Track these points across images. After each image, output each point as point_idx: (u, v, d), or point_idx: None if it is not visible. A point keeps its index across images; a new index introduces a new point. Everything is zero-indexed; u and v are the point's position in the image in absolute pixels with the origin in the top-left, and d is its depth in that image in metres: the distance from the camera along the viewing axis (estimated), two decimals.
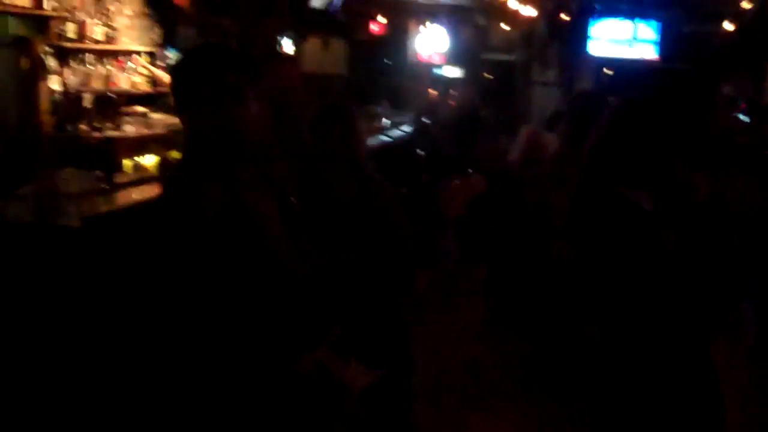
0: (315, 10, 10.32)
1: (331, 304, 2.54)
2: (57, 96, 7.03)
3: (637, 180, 2.81)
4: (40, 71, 6.93)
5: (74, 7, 7.23)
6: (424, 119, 8.95)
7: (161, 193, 2.32)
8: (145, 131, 7.40)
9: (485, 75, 12.44)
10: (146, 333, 2.34)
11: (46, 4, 6.77)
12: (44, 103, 6.90)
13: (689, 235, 2.86)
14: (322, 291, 2.48)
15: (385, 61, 13.41)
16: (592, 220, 2.87)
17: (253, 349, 2.13)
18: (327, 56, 11.84)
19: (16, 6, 6.49)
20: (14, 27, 7.12)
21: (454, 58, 12.77)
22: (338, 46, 12.22)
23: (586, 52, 12.33)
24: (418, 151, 7.92)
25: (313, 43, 11.73)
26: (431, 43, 12.75)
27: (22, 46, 6.93)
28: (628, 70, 12.12)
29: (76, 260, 3.75)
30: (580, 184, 3.04)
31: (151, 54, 8.26)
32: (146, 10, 8.27)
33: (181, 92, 2.25)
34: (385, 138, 8.25)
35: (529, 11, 11.25)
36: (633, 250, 2.74)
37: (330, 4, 10.32)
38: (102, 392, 3.41)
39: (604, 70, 12.69)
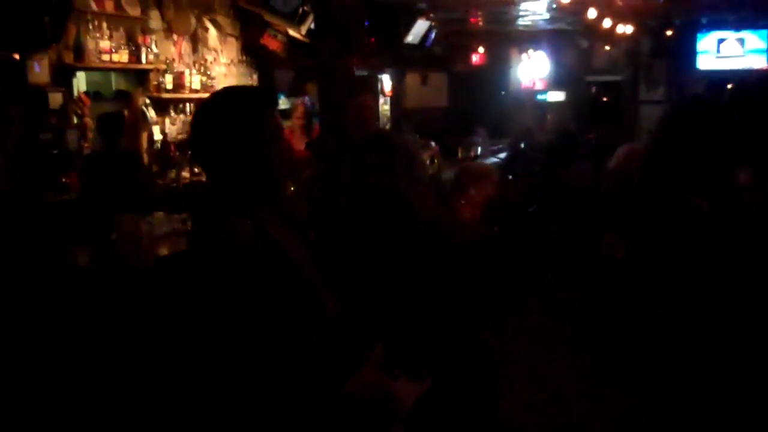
0: (412, 46, 10.44)
1: (369, 324, 2.55)
2: (157, 145, 7.41)
3: (691, 183, 2.79)
4: (141, 122, 7.34)
5: (172, 60, 7.62)
6: (520, 145, 8.91)
7: (192, 230, 2.39)
8: None
9: (592, 91, 12.20)
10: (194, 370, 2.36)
11: (143, 59, 7.17)
12: (145, 152, 7.31)
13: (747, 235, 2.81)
14: (357, 316, 2.50)
15: (501, 91, 13.41)
16: (647, 217, 2.87)
17: (297, 379, 2.15)
18: (427, 90, 11.97)
19: (116, 62, 6.90)
20: (117, 82, 7.59)
21: (556, 83, 12.65)
22: (439, 79, 12.34)
23: (695, 67, 11.97)
24: (510, 177, 7.87)
25: (413, 79, 11.88)
26: (533, 69, 12.68)
27: (124, 99, 7.38)
28: (740, 82, 11.67)
29: (146, 299, 3.94)
30: (638, 184, 3.03)
31: None
32: (242, 57, 8.63)
33: (217, 133, 2.22)
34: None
35: (631, 30, 11.03)
36: (690, 245, 2.73)
37: (425, 38, 10.44)
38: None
39: (725, 84, 12.24)
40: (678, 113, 2.93)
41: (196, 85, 7.80)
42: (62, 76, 6.52)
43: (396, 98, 11.57)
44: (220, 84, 8.17)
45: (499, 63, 12.88)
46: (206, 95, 7.64)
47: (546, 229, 6.84)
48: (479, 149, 9.42)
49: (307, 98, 9.09)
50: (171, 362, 3.69)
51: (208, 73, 8.00)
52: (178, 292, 3.33)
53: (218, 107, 2.25)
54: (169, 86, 7.51)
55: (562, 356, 5.58)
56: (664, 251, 2.82)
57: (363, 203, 3.28)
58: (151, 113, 7.41)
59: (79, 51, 6.54)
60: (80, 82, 6.98)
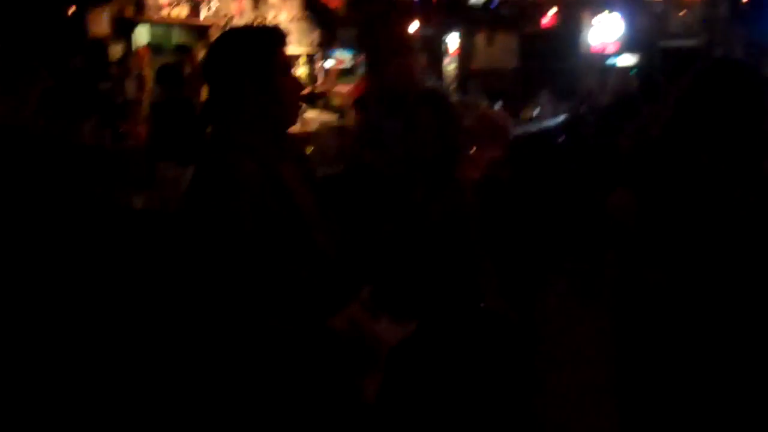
0: (477, 6, 10.39)
1: (362, 264, 2.62)
2: None
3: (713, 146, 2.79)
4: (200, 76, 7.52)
5: (232, 16, 7.78)
6: (580, 107, 8.80)
7: (198, 167, 2.41)
8: (297, 128, 7.79)
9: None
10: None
11: (202, 15, 7.35)
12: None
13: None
14: (352, 253, 2.57)
15: (572, 54, 13.18)
16: (659, 175, 2.88)
17: (287, 309, 2.25)
18: (496, 51, 11.88)
19: (174, 17, 7.10)
20: (177, 37, 7.80)
21: (629, 47, 12.36)
22: (508, 40, 12.21)
23: None
24: (559, 140, 7.81)
25: (482, 40, 11.82)
26: (605, 32, 12.43)
27: (185, 53, 7.57)
28: None
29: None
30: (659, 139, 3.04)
31: (310, 56, 8.72)
32: (305, 14, 8.74)
33: (229, 68, 2.33)
34: (532, 128, 8.20)
35: None
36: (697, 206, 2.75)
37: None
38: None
39: None
40: (710, 75, 2.89)
41: None
42: (123, 29, 6.76)
43: (462, 58, 11.53)
44: None
45: (570, 25, 12.66)
46: None
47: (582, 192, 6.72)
48: (536, 111, 9.34)
49: None
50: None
51: None
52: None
53: (232, 42, 2.38)
54: None
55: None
56: (670, 209, 2.84)
57: (408, 159, 3.33)
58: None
59: (140, 5, 6.77)
60: (141, 35, 7.21)
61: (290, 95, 2.41)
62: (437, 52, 11.02)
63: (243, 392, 2.25)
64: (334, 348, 2.27)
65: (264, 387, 2.25)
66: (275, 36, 2.40)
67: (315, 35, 8.72)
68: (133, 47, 6.94)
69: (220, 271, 2.19)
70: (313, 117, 8.03)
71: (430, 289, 2.97)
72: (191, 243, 2.29)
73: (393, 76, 4.80)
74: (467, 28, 11.33)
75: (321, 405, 2.28)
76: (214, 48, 2.43)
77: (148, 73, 6.91)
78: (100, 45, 6.54)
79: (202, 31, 7.60)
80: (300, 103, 2.78)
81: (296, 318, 2.24)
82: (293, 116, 2.48)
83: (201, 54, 7.53)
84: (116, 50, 6.66)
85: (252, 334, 2.21)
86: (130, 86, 6.70)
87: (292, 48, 8.44)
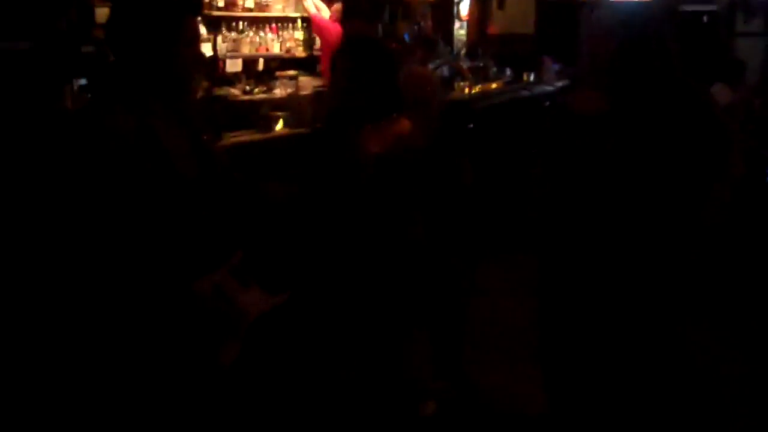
0: None
1: (234, 229, 2.60)
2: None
3: None
4: None
5: None
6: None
7: (72, 121, 2.47)
8: (290, 92, 7.73)
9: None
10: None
11: None
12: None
13: None
14: (225, 217, 2.56)
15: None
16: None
17: (150, 269, 2.24)
18: (511, 17, 11.69)
19: None
20: None
21: None
22: (525, 5, 11.98)
23: None
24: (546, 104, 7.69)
25: (494, 4, 11.64)
26: None
27: None
28: None
29: None
30: None
31: (308, 20, 8.61)
32: None
33: (130, 31, 2.34)
34: (524, 93, 8.10)
35: None
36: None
37: None
38: None
39: None
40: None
41: (250, 4, 7.89)
42: None
43: (471, 23, 11.34)
44: (277, 4, 8.23)
45: None
46: (261, 14, 7.81)
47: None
48: (532, 76, 9.24)
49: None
50: None
51: None
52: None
53: (139, 5, 2.35)
54: (221, 4, 7.63)
55: None
56: None
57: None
58: (202, 30, 7.56)
59: None
60: None
61: (187, 67, 2.41)
62: (448, 16, 10.86)
63: (97, 345, 2.26)
64: (194, 311, 2.25)
65: (118, 339, 2.25)
66: (184, 5, 2.38)
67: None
68: None
69: (81, 219, 2.19)
70: (308, 81, 7.97)
71: (308, 262, 2.95)
72: (57, 195, 2.29)
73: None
74: None
75: (174, 365, 2.27)
76: (119, 7, 2.43)
77: None
78: (87, 7, 6.52)
79: None
80: (197, 75, 2.77)
81: (157, 278, 2.23)
82: (187, 87, 2.50)
83: None
84: (102, 12, 6.61)
85: (111, 290, 2.21)
86: None
87: (289, 11, 8.37)
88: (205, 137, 2.80)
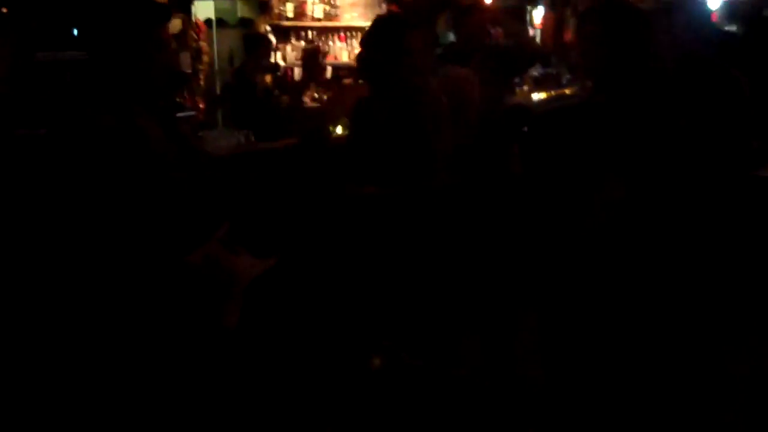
0: None
1: (219, 202, 2.74)
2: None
3: None
4: None
5: None
6: None
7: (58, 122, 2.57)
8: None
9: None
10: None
11: None
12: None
13: None
14: (209, 191, 2.70)
15: None
16: None
17: (143, 245, 2.40)
18: None
19: None
20: (242, 10, 8.05)
21: (729, 17, 11.79)
22: None
23: None
24: None
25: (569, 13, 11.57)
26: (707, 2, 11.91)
27: (247, 26, 7.82)
28: None
29: None
30: None
31: None
32: None
33: (104, 35, 2.45)
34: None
35: None
36: None
37: None
38: None
39: None
40: None
41: (319, 14, 8.11)
42: (182, 3, 7.04)
43: (547, 31, 11.31)
44: (345, 13, 8.42)
45: None
46: (330, 24, 8.01)
47: None
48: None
49: None
50: None
51: (332, 2, 8.25)
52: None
53: (113, 11, 2.45)
54: (290, 14, 7.87)
55: None
56: None
57: None
58: (272, 39, 7.81)
59: None
60: (201, 8, 7.49)
61: (159, 71, 2.53)
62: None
63: (102, 324, 2.40)
64: (190, 282, 2.39)
65: (123, 319, 2.39)
66: (156, 12, 2.53)
67: (382, 8, 8.76)
68: (193, 20, 7.22)
69: (74, 211, 2.35)
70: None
71: (290, 226, 3.05)
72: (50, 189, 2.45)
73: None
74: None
75: (179, 331, 2.41)
76: (94, 12, 2.53)
77: (203, 46, 7.19)
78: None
79: (263, 4, 7.81)
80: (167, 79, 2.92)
81: (150, 255, 2.37)
82: (159, 90, 2.62)
83: (262, 27, 7.77)
84: (175, 24, 6.93)
85: (108, 270, 2.36)
86: (185, 58, 6.98)
87: (358, 21, 8.54)
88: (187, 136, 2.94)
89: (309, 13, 8.02)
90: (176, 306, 2.40)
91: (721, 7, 11.99)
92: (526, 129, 6.19)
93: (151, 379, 2.43)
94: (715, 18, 11.96)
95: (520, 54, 4.96)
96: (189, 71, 7.02)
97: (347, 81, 8.12)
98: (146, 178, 2.42)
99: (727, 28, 11.88)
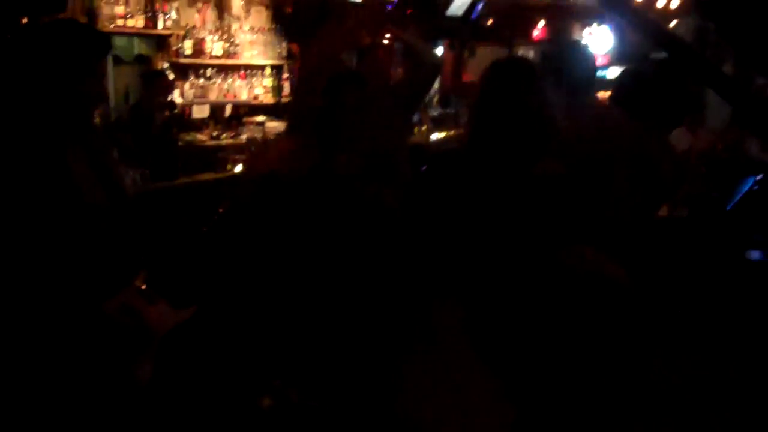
0: (455, 18, 10.41)
1: (137, 249, 2.68)
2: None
3: None
4: None
5: (193, 26, 7.89)
6: None
7: None
8: (254, 137, 7.85)
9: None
10: None
11: (160, 24, 7.47)
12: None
13: None
14: (128, 236, 2.64)
15: None
16: None
17: (58, 291, 2.31)
18: (481, 64, 11.84)
19: (131, 27, 7.23)
20: (138, 47, 7.93)
21: (619, 59, 12.28)
22: (496, 53, 12.16)
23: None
24: None
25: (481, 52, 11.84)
26: (595, 45, 12.37)
27: (144, 63, 7.71)
28: None
29: None
30: None
31: (278, 68, 8.79)
32: (271, 26, 8.81)
33: (41, 62, 2.42)
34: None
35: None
36: None
37: (470, 11, 10.37)
38: None
39: None
40: None
41: (218, 52, 8.05)
42: None
43: (446, 71, 11.53)
44: (245, 51, 8.40)
45: (562, 37, 12.61)
46: (230, 62, 7.97)
47: None
48: None
49: None
50: None
51: (232, 40, 8.22)
52: None
53: (56, 42, 2.43)
54: (188, 52, 7.79)
55: None
56: None
57: None
58: (170, 77, 7.72)
59: (92, 15, 6.89)
60: None
61: (92, 101, 2.53)
62: None
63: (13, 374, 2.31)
64: (106, 331, 2.32)
65: (32, 367, 2.30)
66: (99, 44, 2.50)
67: (282, 47, 8.79)
68: None
69: None
70: (275, 126, 8.10)
71: (209, 276, 3.02)
72: None
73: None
74: (450, 40, 11.32)
75: (91, 386, 2.33)
76: (31, 38, 2.53)
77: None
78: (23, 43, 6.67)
79: (161, 40, 7.71)
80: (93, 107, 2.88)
81: (66, 300, 2.29)
82: (85, 119, 2.60)
83: (159, 64, 7.67)
84: None
85: (18, 316, 2.27)
86: None
87: (258, 59, 8.54)
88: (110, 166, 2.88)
89: (208, 50, 7.96)
90: (89, 353, 2.32)
91: (612, 50, 12.51)
92: (423, 168, 6.29)
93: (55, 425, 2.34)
94: (607, 60, 12.48)
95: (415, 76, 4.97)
96: None
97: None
98: (66, 216, 2.35)
99: (617, 68, 12.41)
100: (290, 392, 2.83)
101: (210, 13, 8.14)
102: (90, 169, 2.56)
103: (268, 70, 8.62)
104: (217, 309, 3.03)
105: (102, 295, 2.33)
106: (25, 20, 6.58)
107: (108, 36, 2.74)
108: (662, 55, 11.95)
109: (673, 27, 11.97)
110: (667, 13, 11.40)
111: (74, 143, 2.52)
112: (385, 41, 7.66)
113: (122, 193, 2.73)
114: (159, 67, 7.61)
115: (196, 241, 3.13)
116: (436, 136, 8.50)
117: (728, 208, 6.31)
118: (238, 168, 6.41)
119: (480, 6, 10.48)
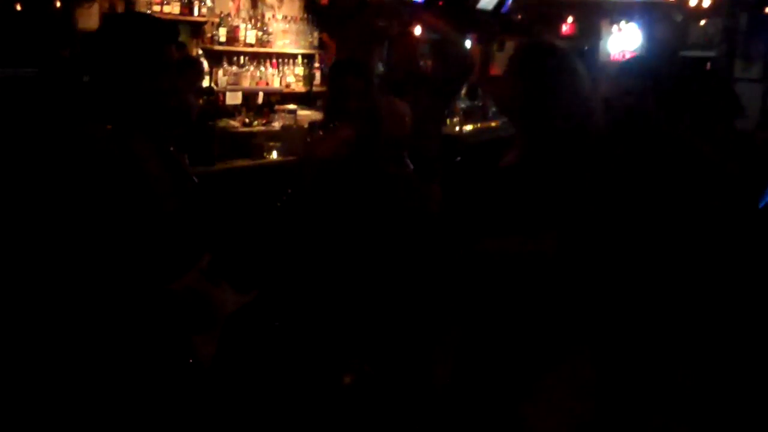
0: (487, 11, 10.41)
1: (202, 232, 2.71)
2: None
3: None
4: None
5: (228, 14, 7.95)
6: None
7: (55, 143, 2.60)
8: (289, 125, 7.88)
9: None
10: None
11: (196, 12, 7.53)
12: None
13: None
14: (193, 220, 2.68)
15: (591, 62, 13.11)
16: None
17: (128, 274, 2.36)
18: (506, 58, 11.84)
19: (167, 14, 7.28)
20: None
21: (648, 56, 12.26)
22: None
23: None
24: None
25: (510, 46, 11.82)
26: (624, 41, 12.36)
27: (179, 49, 7.75)
28: None
29: None
30: None
31: (310, 57, 8.84)
32: (305, 15, 8.86)
33: (111, 53, 2.43)
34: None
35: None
36: None
37: (500, 4, 10.37)
38: None
39: None
40: None
41: (251, 40, 8.12)
42: None
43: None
44: (277, 39, 8.45)
45: (590, 34, 12.61)
46: (263, 50, 8.02)
47: None
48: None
49: None
50: None
51: (265, 28, 8.28)
52: None
53: (121, 30, 2.48)
54: (223, 39, 7.85)
55: None
56: None
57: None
58: (204, 64, 7.78)
59: (130, 2, 6.95)
60: None
61: (163, 93, 2.52)
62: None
63: (80, 351, 2.36)
64: (171, 311, 2.37)
65: (100, 345, 2.36)
66: (164, 32, 2.52)
67: (314, 37, 8.84)
68: None
69: (60, 227, 2.30)
70: (306, 115, 8.14)
71: (275, 259, 3.07)
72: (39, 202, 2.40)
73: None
74: (479, 33, 11.34)
75: (157, 363, 2.38)
76: (103, 31, 2.56)
77: None
78: (89, 38, 6.73)
79: (196, 27, 7.78)
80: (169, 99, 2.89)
81: (134, 281, 2.34)
82: (165, 112, 2.59)
83: (194, 50, 7.73)
84: None
85: (93, 296, 2.32)
86: None
87: (290, 48, 8.58)
88: (182, 160, 2.92)
89: (241, 38, 8.02)
90: (155, 335, 2.38)
91: (639, 48, 12.48)
92: (458, 159, 6.33)
93: (125, 404, 2.40)
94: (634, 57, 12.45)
95: (452, 69, 5.00)
96: None
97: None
98: (136, 203, 2.38)
99: None
100: (366, 368, 2.89)
101: (244, 2, 8.21)
102: (159, 159, 2.60)
103: (299, 59, 8.68)
104: (284, 292, 3.08)
105: (168, 278, 2.38)
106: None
107: (174, 24, 2.73)
108: (692, 52, 11.90)
109: (702, 26, 11.95)
110: (699, 11, 11.34)
111: (145, 135, 2.54)
112: (416, 31, 7.73)
113: (190, 180, 2.77)
114: (194, 54, 7.66)
115: (265, 220, 3.16)
116: (465, 128, 8.52)
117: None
118: (274, 155, 6.46)
119: (510, 1, 10.49)
